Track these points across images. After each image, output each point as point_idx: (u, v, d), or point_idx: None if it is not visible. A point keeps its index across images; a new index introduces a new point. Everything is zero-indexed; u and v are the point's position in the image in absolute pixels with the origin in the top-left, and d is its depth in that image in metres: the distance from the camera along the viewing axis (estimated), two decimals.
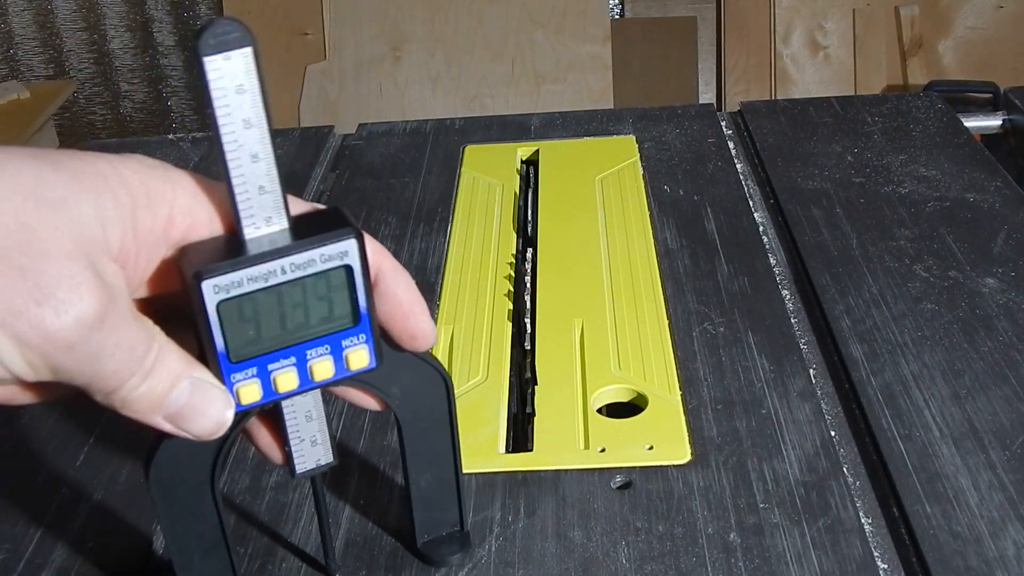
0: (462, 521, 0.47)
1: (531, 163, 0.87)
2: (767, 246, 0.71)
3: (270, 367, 0.36)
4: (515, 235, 0.75)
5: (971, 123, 0.89)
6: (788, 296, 0.66)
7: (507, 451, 0.55)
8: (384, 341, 0.38)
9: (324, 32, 2.31)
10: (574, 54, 2.30)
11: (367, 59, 2.32)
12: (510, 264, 0.71)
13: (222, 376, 0.35)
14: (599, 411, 0.57)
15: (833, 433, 0.54)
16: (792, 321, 0.63)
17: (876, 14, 2.28)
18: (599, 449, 0.53)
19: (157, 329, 0.34)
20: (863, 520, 0.48)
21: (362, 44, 2.32)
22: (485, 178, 0.83)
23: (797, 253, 0.70)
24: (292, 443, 0.40)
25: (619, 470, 0.51)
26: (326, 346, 0.37)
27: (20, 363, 0.30)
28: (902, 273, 0.66)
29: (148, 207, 0.33)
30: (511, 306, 0.66)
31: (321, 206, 0.37)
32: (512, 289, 0.68)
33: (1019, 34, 2.27)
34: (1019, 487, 0.48)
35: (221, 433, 0.36)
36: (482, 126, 0.93)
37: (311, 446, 0.40)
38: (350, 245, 0.35)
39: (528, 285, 0.69)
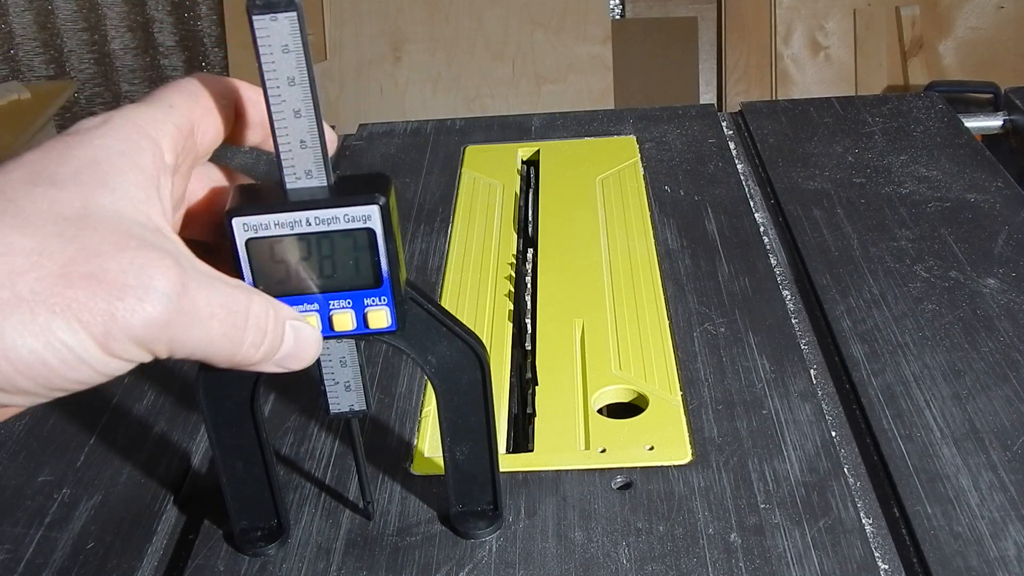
0: (496, 501, 0.48)
1: (532, 163, 0.87)
2: (768, 246, 0.71)
3: (295, 308, 0.39)
4: (516, 235, 0.75)
5: (972, 123, 0.89)
6: (789, 296, 0.66)
7: (508, 451, 0.55)
8: None
9: (324, 32, 2.31)
10: (575, 54, 2.30)
11: (367, 59, 2.32)
12: (511, 264, 0.71)
13: None
14: (600, 411, 0.57)
15: (834, 433, 0.53)
16: (793, 321, 0.63)
17: (877, 14, 2.28)
18: (600, 449, 0.53)
19: (245, 284, 0.36)
20: (864, 520, 0.48)
21: (362, 44, 2.33)
22: (486, 178, 0.83)
23: (798, 253, 0.70)
24: (327, 384, 0.43)
25: (620, 470, 0.51)
26: (348, 301, 0.39)
27: (140, 352, 0.32)
28: (903, 273, 0.66)
29: (159, 152, 0.35)
30: (511, 306, 0.66)
31: (376, 172, 0.39)
32: (512, 289, 0.68)
33: (1020, 34, 2.27)
34: (1020, 487, 0.48)
35: (311, 363, 0.39)
36: (482, 126, 0.93)
37: (345, 390, 0.43)
38: (373, 211, 0.37)
39: (528, 285, 0.69)
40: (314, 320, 0.39)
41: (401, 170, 0.86)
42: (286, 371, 0.38)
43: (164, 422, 0.58)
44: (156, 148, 0.34)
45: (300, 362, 0.38)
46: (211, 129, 0.38)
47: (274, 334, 0.36)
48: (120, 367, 0.32)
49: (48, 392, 0.31)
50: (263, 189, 0.38)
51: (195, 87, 0.37)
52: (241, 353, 0.35)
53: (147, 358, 0.32)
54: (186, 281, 0.32)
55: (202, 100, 0.37)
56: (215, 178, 0.40)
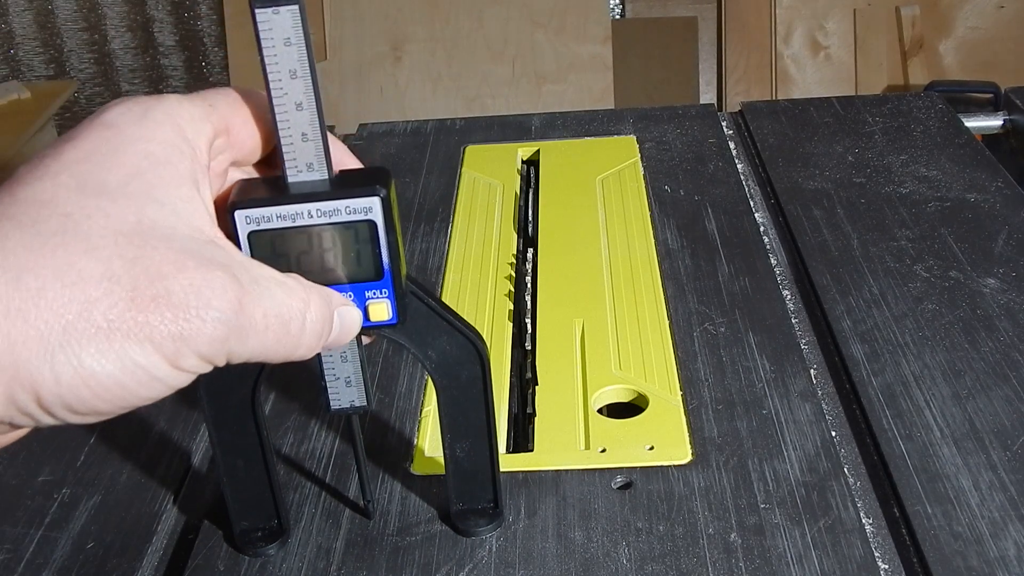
0: (496, 499, 0.48)
1: (532, 163, 0.87)
2: (768, 246, 0.71)
3: None
4: (516, 235, 0.75)
5: (972, 123, 0.89)
6: (789, 296, 0.66)
7: (508, 451, 0.55)
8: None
9: (324, 32, 2.31)
10: (575, 54, 2.30)
11: (367, 59, 2.32)
12: (511, 264, 0.71)
13: None
14: (600, 411, 0.57)
15: (834, 433, 0.53)
16: (793, 321, 0.63)
17: (877, 14, 2.28)
18: (600, 449, 0.53)
19: (303, 282, 0.36)
20: (864, 520, 0.48)
21: (362, 44, 2.33)
22: (486, 178, 0.83)
23: (798, 253, 0.70)
24: (328, 380, 0.43)
25: (620, 470, 0.51)
26: (349, 293, 0.39)
27: (204, 365, 0.33)
28: (903, 273, 0.66)
29: (197, 155, 0.35)
30: (512, 306, 0.66)
31: (376, 166, 0.40)
32: (513, 289, 0.68)
33: (1020, 34, 2.27)
34: (1020, 487, 0.48)
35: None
36: (483, 126, 0.93)
37: (345, 386, 0.44)
38: (374, 203, 0.37)
39: (529, 285, 0.69)
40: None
41: (401, 170, 0.86)
42: (332, 349, 0.39)
43: (164, 422, 0.58)
44: (193, 152, 0.35)
45: (344, 341, 0.39)
46: (249, 138, 0.38)
47: (326, 330, 0.37)
48: (187, 379, 0.33)
49: (120, 410, 0.32)
50: (266, 182, 0.38)
51: (240, 94, 0.38)
52: (297, 355, 0.36)
53: (209, 368, 0.33)
54: (242, 297, 0.33)
55: (245, 107, 0.38)
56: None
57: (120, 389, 0.31)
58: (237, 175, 0.39)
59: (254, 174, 0.40)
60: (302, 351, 0.36)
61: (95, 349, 0.30)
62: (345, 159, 0.40)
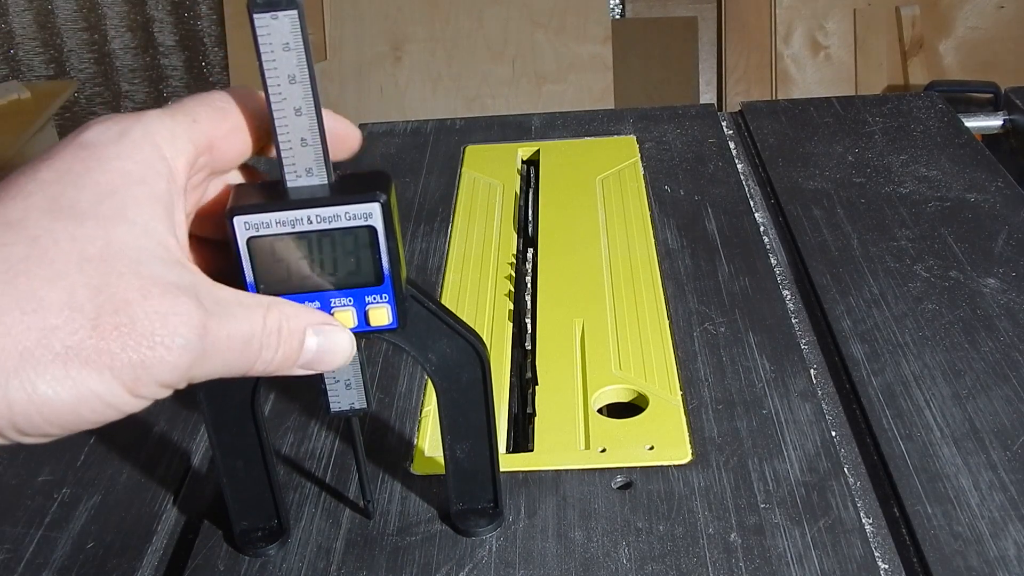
0: (496, 499, 0.48)
1: (532, 163, 0.87)
2: (768, 246, 0.71)
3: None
4: (516, 235, 0.75)
5: (972, 123, 0.89)
6: (789, 296, 0.66)
7: (508, 451, 0.55)
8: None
9: (324, 32, 2.31)
10: (575, 54, 2.30)
11: (367, 59, 2.32)
12: (511, 264, 0.71)
13: None
14: (600, 411, 0.57)
15: (834, 433, 0.53)
16: (793, 321, 0.63)
17: (877, 14, 2.28)
18: (600, 449, 0.53)
19: (262, 299, 0.36)
20: (864, 520, 0.48)
21: (362, 44, 2.32)
22: (486, 178, 0.83)
23: (798, 253, 0.70)
24: (328, 382, 0.43)
25: (620, 470, 0.51)
26: (350, 299, 0.39)
27: (163, 391, 0.33)
28: (903, 273, 0.66)
29: (174, 175, 0.35)
30: (512, 306, 0.66)
31: (377, 170, 0.39)
32: (512, 289, 0.68)
33: (1020, 34, 2.26)
34: (1020, 487, 0.48)
35: (348, 363, 0.40)
36: (483, 126, 0.93)
37: (345, 388, 0.44)
38: (374, 208, 0.37)
39: (528, 285, 0.69)
40: (347, 316, 0.39)
41: (401, 170, 0.86)
42: (319, 372, 0.39)
43: (164, 422, 0.58)
44: (171, 172, 0.35)
45: (330, 364, 0.39)
46: (236, 145, 0.38)
47: (287, 346, 0.37)
48: (143, 405, 0.33)
49: (67, 433, 0.32)
50: (264, 188, 0.38)
51: (225, 102, 0.37)
52: (254, 369, 0.36)
53: (168, 393, 0.33)
54: (206, 322, 0.33)
55: (230, 116, 0.37)
56: (233, 178, 0.40)
57: (72, 415, 0.31)
58: (217, 183, 0.39)
59: (237, 178, 0.40)
60: (260, 366, 0.36)
61: (51, 376, 0.30)
62: (335, 124, 0.39)
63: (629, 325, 0.63)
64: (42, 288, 0.30)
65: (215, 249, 0.39)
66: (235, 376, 0.35)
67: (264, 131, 0.38)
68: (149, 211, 0.33)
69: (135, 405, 0.32)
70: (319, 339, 0.38)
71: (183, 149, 0.35)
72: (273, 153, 0.38)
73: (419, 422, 0.56)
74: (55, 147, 0.34)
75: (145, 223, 0.33)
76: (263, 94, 0.36)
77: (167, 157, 0.35)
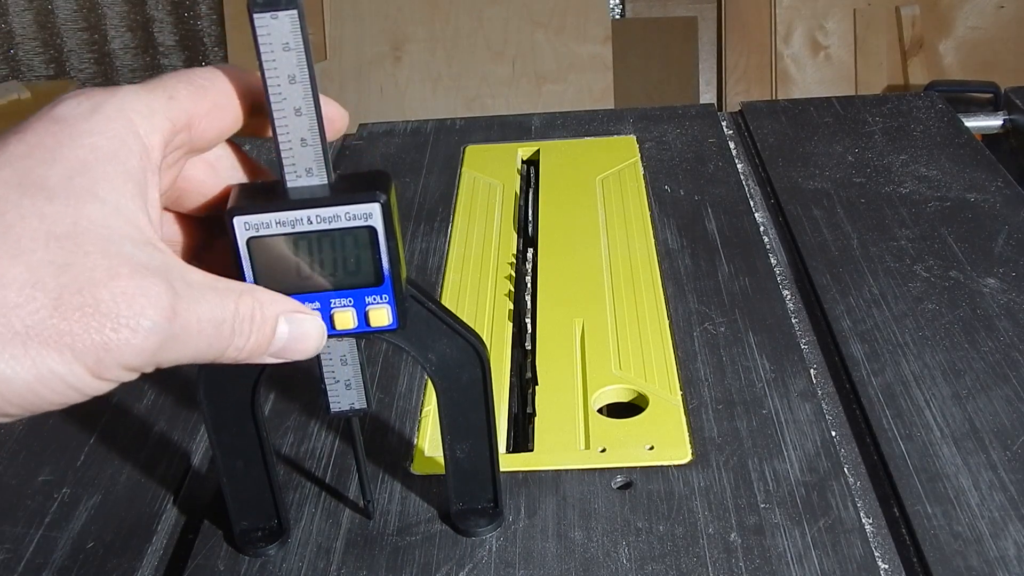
0: (496, 499, 0.48)
1: (532, 163, 0.87)
2: (768, 246, 0.71)
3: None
4: (516, 235, 0.75)
5: (972, 123, 0.89)
6: (789, 296, 0.66)
7: (508, 451, 0.55)
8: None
9: (324, 32, 2.31)
10: (575, 54, 2.30)
11: (367, 59, 2.32)
12: (511, 264, 0.71)
13: None
14: (600, 411, 0.57)
15: (834, 433, 0.53)
16: (793, 321, 0.63)
17: (877, 14, 2.28)
18: (600, 449, 0.53)
19: (236, 285, 0.35)
20: (864, 520, 0.48)
21: (362, 44, 2.32)
22: (486, 178, 0.83)
23: (798, 253, 0.70)
24: (328, 382, 0.43)
25: (620, 470, 0.51)
26: (349, 299, 0.39)
27: (128, 374, 0.32)
28: (903, 273, 0.66)
29: (148, 152, 0.34)
30: (511, 306, 0.66)
31: (377, 170, 0.39)
32: (512, 289, 0.68)
33: (1020, 34, 2.26)
34: (1020, 487, 0.48)
35: (319, 351, 0.39)
36: (482, 126, 0.93)
37: (345, 388, 0.44)
38: (374, 208, 0.37)
39: (528, 285, 0.69)
40: (347, 317, 0.39)
41: (401, 170, 0.86)
42: (288, 361, 0.38)
43: (164, 422, 0.58)
44: (145, 148, 0.34)
45: (300, 353, 0.38)
46: (217, 124, 0.37)
47: (260, 333, 0.36)
48: (108, 388, 0.32)
49: (28, 414, 0.32)
50: (264, 188, 0.38)
51: (206, 79, 0.36)
52: (226, 355, 0.35)
53: (134, 377, 0.33)
54: (176, 304, 0.32)
55: (211, 94, 0.36)
56: (212, 156, 0.39)
57: (32, 395, 0.31)
58: (199, 164, 0.38)
59: (219, 160, 0.39)
60: (232, 353, 0.35)
61: (9, 355, 0.30)
62: (329, 110, 0.38)
63: (629, 325, 0.63)
64: (4, 264, 0.30)
65: (195, 225, 0.39)
66: (205, 363, 0.35)
67: (248, 110, 0.37)
68: (121, 189, 0.32)
69: (99, 387, 0.32)
70: (290, 327, 0.37)
71: (159, 126, 0.34)
72: (266, 134, 0.37)
73: (419, 422, 0.56)
74: (27, 121, 0.33)
75: (116, 201, 0.32)
76: (249, 74, 0.36)
77: (141, 133, 0.34)
